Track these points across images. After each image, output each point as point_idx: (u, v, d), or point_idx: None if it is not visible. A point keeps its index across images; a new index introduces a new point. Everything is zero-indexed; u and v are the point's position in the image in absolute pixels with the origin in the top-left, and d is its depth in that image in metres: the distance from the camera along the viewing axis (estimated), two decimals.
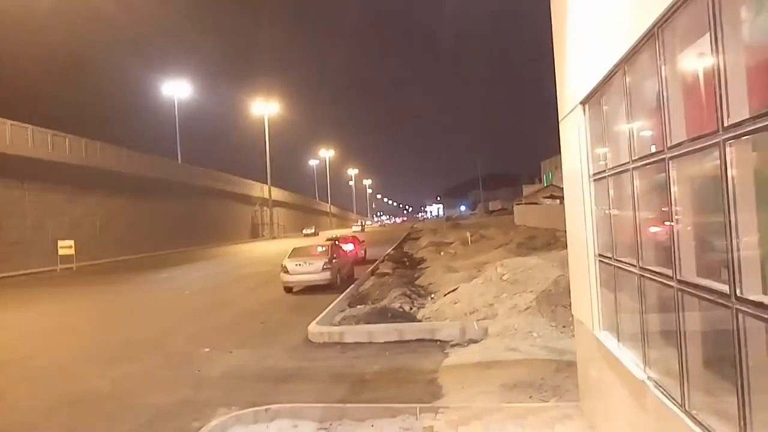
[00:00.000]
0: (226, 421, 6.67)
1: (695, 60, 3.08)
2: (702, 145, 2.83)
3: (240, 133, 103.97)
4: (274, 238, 73.34)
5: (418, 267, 24.41)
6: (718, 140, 2.62)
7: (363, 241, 32.25)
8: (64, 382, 9.15)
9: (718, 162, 2.62)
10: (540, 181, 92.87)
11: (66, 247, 35.81)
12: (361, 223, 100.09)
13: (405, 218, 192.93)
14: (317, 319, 12.26)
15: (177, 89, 67.62)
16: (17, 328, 14.95)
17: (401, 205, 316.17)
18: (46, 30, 56.47)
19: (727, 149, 2.56)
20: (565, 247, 6.62)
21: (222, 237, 65.13)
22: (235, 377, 9.05)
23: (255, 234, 78.98)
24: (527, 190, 79.21)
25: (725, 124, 2.57)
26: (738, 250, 2.53)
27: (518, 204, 64.42)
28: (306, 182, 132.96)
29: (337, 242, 25.13)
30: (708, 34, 2.65)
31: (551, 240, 25.12)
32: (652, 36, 3.35)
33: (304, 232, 75.01)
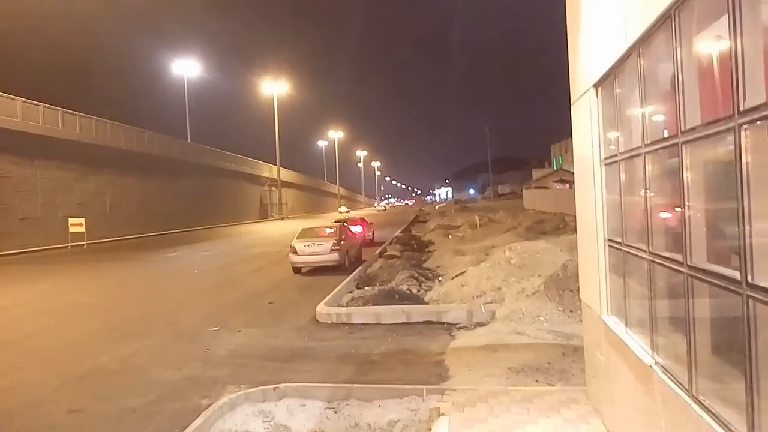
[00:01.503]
0: (235, 399, 6.75)
1: (712, 43, 3.03)
2: (717, 129, 2.79)
3: (249, 113, 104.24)
4: (282, 218, 73.58)
5: (426, 250, 24.42)
6: (733, 125, 2.58)
7: (371, 224, 32.26)
8: (73, 359, 9.29)
9: (733, 147, 2.59)
10: (550, 165, 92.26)
11: (77, 224, 36.09)
12: (383, 203, 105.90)
13: (413, 201, 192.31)
14: (325, 300, 12.33)
15: (186, 68, 67.27)
16: (28, 304, 15.15)
17: (410, 188, 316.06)
18: (53, 8, 56.31)
19: (743, 134, 2.53)
20: (574, 231, 6.61)
21: (230, 217, 65.35)
22: (243, 356, 9.14)
23: (264, 214, 79.18)
24: (537, 174, 78.97)
25: (741, 109, 2.53)
26: (750, 236, 2.51)
27: (527, 188, 64.21)
28: (315, 164, 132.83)
29: (345, 224, 25.19)
30: (726, 16, 2.61)
31: (560, 224, 25.03)
32: (668, 17, 3.29)
33: (339, 210, 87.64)
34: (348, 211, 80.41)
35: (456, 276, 14.26)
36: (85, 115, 42.56)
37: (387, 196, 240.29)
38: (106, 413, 6.80)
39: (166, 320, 12.21)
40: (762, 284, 2.43)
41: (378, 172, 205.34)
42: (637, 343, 4.23)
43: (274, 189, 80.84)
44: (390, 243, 26.91)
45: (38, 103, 37.62)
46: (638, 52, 3.94)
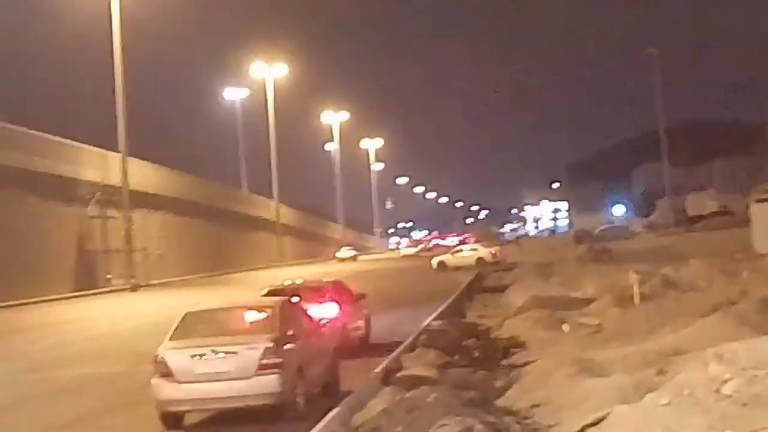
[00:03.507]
0: None
1: None
2: None
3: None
4: (135, 288, 73.75)
5: (505, 362, 24.41)
6: None
7: (361, 297, 32.15)
8: None
9: None
10: None
11: None
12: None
13: (468, 236, 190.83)
14: None
15: None
16: None
17: (461, 205, 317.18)
18: None
19: None
20: None
21: (5, 285, 65.59)
22: None
23: (87, 278, 79.43)
24: None
25: None
26: None
27: (762, 200, 64.18)
28: (227, 157, 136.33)
29: (295, 298, 25.09)
30: None
31: None
32: None
33: (338, 255, 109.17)
34: (354, 259, 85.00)
35: (585, 429, 14.23)
36: None
37: (406, 224, 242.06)
38: None
39: None
40: None
41: (375, 163, 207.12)
42: None
43: (114, 212, 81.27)
44: (412, 346, 26.87)
45: None
46: None
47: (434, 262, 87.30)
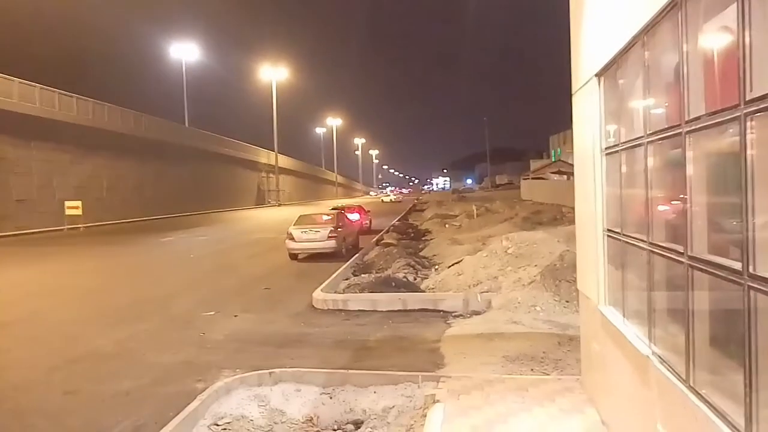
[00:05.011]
0: (230, 383, 6.77)
1: (719, 32, 2.99)
2: (722, 119, 2.77)
3: (248, 99, 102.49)
4: (279, 205, 73.42)
5: (423, 238, 24.44)
6: (739, 114, 2.55)
7: (368, 212, 32.23)
8: (67, 341, 9.27)
9: (738, 137, 2.56)
10: (548, 156, 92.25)
11: (73, 207, 35.94)
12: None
13: (410, 190, 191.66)
14: (322, 286, 12.34)
15: (185, 52, 66.52)
16: (23, 286, 15.12)
17: (407, 177, 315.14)
18: None
19: (748, 123, 2.50)
20: (571, 222, 6.61)
21: (227, 202, 65.16)
22: (239, 340, 9.15)
23: (261, 201, 78.99)
24: (535, 165, 78.86)
25: (747, 98, 2.50)
26: (754, 227, 2.49)
27: (525, 178, 64.08)
28: (313, 151, 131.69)
29: (342, 211, 25.16)
30: (734, 5, 2.57)
31: (557, 215, 25.06)
32: (675, 6, 3.26)
33: (369, 194, 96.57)
34: (387, 195, 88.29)
35: (452, 265, 14.27)
36: (82, 97, 42.21)
37: (385, 184, 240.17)
38: (100, 395, 6.81)
39: (162, 304, 12.20)
40: (764, 275, 2.42)
41: (376, 160, 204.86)
42: (635, 333, 4.23)
43: (271, 175, 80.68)
44: (387, 231, 26.90)
45: (35, 84, 37.32)
46: (643, 41, 3.90)
47: (381, 199, 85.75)
